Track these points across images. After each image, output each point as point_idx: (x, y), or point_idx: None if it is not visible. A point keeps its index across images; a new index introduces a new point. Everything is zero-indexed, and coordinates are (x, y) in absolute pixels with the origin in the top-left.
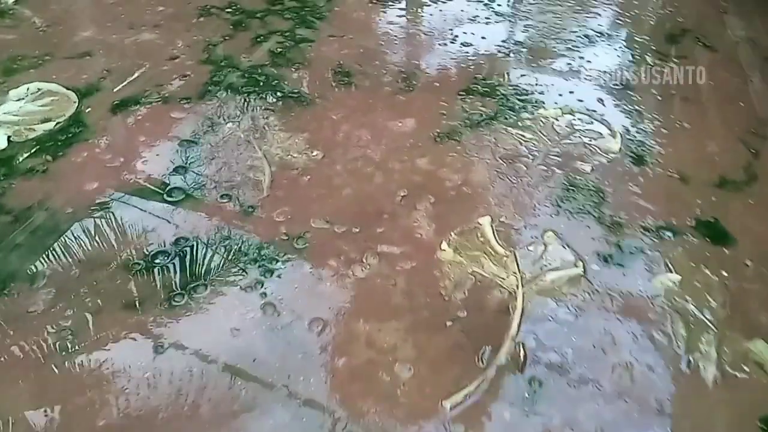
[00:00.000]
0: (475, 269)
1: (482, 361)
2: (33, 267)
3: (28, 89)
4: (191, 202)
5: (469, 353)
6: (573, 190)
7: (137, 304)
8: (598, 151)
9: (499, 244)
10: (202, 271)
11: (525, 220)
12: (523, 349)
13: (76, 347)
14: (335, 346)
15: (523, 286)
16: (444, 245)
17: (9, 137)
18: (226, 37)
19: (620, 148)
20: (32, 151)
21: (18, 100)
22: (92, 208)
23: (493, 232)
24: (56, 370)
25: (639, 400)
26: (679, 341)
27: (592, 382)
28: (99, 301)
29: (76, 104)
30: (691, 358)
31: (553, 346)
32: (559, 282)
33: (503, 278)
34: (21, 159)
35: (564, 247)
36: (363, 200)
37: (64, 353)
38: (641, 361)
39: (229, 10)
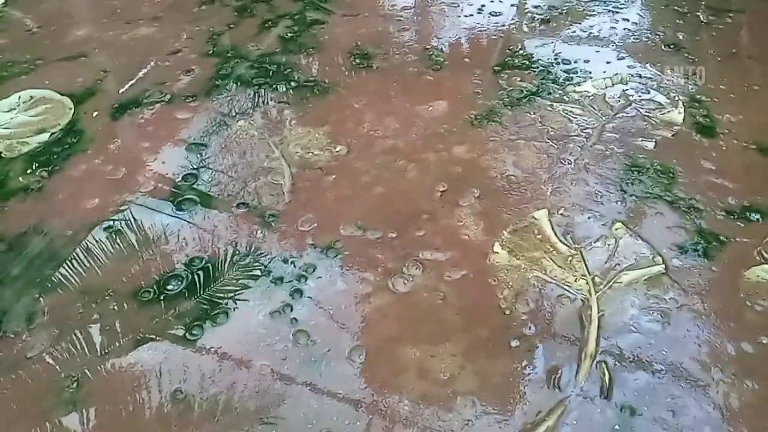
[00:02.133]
0: (537, 273)
1: (558, 387)
2: (31, 302)
3: (19, 98)
4: (204, 215)
5: (542, 378)
6: (637, 171)
7: (148, 340)
8: (660, 124)
9: (561, 242)
10: (222, 296)
11: (588, 211)
12: (607, 370)
13: (81, 398)
14: (382, 379)
15: (596, 290)
16: (497, 247)
17: (0, 153)
18: (231, 26)
19: (684, 119)
20: (26, 166)
21: (9, 110)
22: (94, 228)
23: (553, 228)
24: (60, 427)
25: (753, 427)
26: None
27: (694, 405)
28: (105, 339)
29: (72, 111)
30: None
31: (642, 363)
32: (637, 283)
33: (571, 283)
34: (14, 177)
35: (637, 240)
36: (397, 199)
37: (69, 407)
38: (749, 374)
39: None
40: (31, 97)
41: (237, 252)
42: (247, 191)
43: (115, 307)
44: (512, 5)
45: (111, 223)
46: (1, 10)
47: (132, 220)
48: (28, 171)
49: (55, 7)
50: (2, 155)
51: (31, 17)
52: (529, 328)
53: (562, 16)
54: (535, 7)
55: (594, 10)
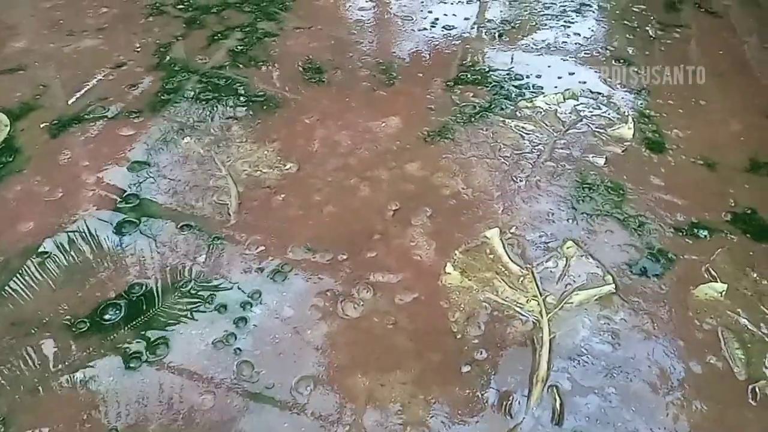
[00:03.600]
0: (489, 295)
1: (510, 414)
2: None
3: None
4: (145, 238)
5: (494, 404)
6: (588, 188)
7: (83, 376)
8: (610, 139)
9: (512, 261)
10: (162, 325)
11: (539, 229)
12: (558, 395)
13: None
14: (329, 411)
15: (547, 311)
16: (449, 267)
17: None
18: (179, 38)
19: (634, 134)
20: None
21: None
22: (27, 254)
23: (504, 247)
24: None
25: None
26: (737, 364)
27: (644, 429)
28: (35, 377)
29: (8, 128)
30: (757, 388)
31: (593, 386)
32: (588, 303)
33: (523, 304)
34: None
35: (588, 259)
36: (348, 219)
37: None
38: (699, 396)
39: (180, 6)
40: None
41: (179, 278)
42: (192, 212)
43: (50, 339)
44: (466, 19)
45: (46, 248)
46: None
47: (69, 244)
48: None
49: None
50: None
51: None
52: (481, 353)
53: (515, 30)
54: (489, 21)
55: (546, 24)
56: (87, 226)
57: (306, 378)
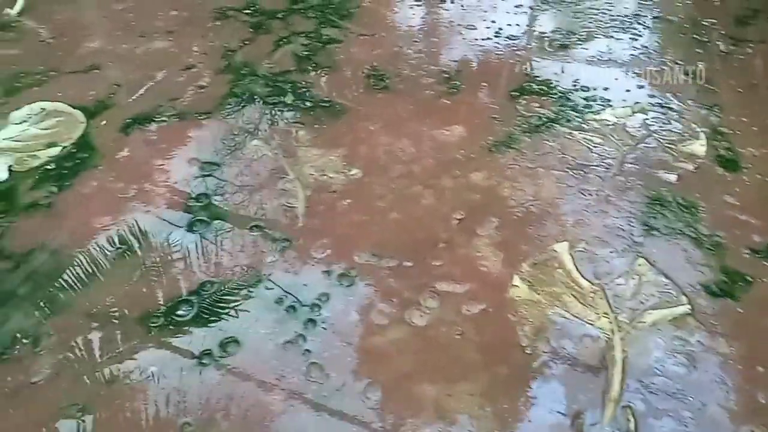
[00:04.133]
0: (558, 310)
1: None
2: (37, 323)
3: (31, 110)
4: (216, 236)
5: (566, 423)
6: (660, 204)
7: (156, 370)
8: (681, 156)
9: (582, 277)
10: (233, 324)
11: (610, 245)
12: (632, 415)
13: (88, 427)
14: (398, 418)
15: (619, 330)
16: (516, 280)
17: (10, 167)
18: (246, 42)
19: (706, 152)
20: (35, 181)
21: (20, 122)
22: (102, 248)
23: (574, 262)
24: None
25: None
26: None
27: None
28: (109, 369)
29: (84, 125)
30: None
31: (667, 409)
32: (662, 323)
33: (593, 321)
34: (23, 192)
35: (661, 278)
36: (413, 226)
37: None
38: None
39: (247, 11)
40: (43, 110)
41: (249, 278)
42: (261, 213)
43: (123, 333)
44: (529, 28)
45: (120, 243)
46: (15, 20)
47: (142, 240)
48: (38, 186)
49: (70, 18)
50: (12, 169)
51: (46, 28)
52: (551, 368)
53: (581, 41)
54: (553, 31)
55: (613, 36)
56: (158, 223)
57: (374, 383)
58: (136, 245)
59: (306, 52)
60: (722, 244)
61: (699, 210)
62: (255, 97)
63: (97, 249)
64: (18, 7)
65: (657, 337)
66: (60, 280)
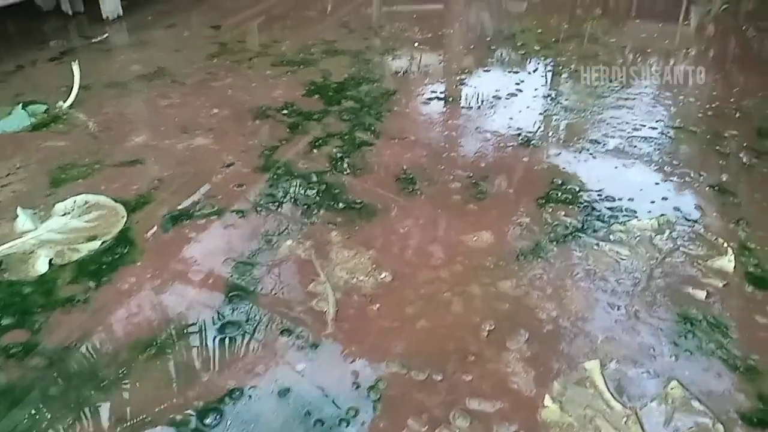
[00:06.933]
0: None
1: None
2: (67, 428)
3: (75, 202)
4: (246, 340)
5: None
6: (690, 323)
7: None
8: (710, 272)
9: (615, 399)
10: None
11: (641, 365)
12: None
13: None
14: None
15: None
16: (547, 399)
17: (51, 260)
18: (283, 141)
19: (734, 268)
20: (74, 276)
21: (64, 214)
22: (137, 348)
23: (605, 382)
24: None
25: None
26: None
27: None
28: None
29: (125, 219)
30: None
31: None
32: None
33: None
34: (61, 286)
35: (695, 403)
36: (442, 336)
37: None
38: None
39: (285, 111)
40: (86, 202)
41: (279, 386)
42: (292, 317)
43: None
44: (554, 135)
45: (153, 344)
46: (66, 112)
47: (175, 342)
48: (76, 280)
49: (118, 112)
50: (52, 262)
51: (94, 120)
52: None
53: (604, 150)
54: (578, 139)
55: (636, 146)
56: (193, 324)
57: None
58: (169, 346)
59: (340, 154)
60: (757, 368)
61: (730, 330)
62: (290, 196)
63: (132, 348)
64: (70, 100)
65: None
66: (93, 380)
